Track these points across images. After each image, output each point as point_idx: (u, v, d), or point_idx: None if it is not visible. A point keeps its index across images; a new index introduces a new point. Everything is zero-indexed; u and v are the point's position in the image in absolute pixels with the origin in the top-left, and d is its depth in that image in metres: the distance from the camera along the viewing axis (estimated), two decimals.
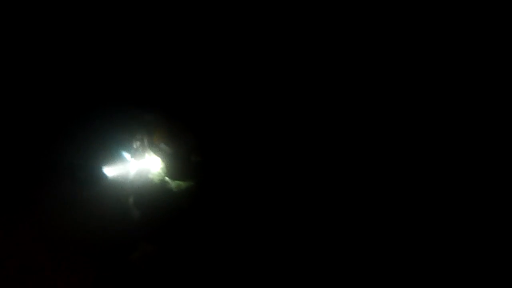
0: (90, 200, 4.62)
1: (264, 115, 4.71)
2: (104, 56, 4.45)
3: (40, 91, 4.54)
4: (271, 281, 4.24)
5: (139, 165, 4.84)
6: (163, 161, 4.78)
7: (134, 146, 4.82)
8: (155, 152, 4.79)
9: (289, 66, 4.62)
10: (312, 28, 4.51)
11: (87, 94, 4.52)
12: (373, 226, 4.35)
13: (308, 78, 4.63)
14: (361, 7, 4.36)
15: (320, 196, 4.57)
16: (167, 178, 4.79)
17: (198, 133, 4.74)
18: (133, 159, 4.84)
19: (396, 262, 4.11)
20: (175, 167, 4.74)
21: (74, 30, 4.35)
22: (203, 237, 4.57)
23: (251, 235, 4.57)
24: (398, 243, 4.20)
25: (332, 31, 4.47)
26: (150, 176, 4.82)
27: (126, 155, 4.82)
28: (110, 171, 4.78)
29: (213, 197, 4.77)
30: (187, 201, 4.74)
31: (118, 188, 4.77)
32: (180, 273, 4.42)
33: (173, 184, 4.78)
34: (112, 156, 4.79)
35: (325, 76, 4.61)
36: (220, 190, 4.78)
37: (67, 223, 4.49)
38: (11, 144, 4.54)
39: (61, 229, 4.44)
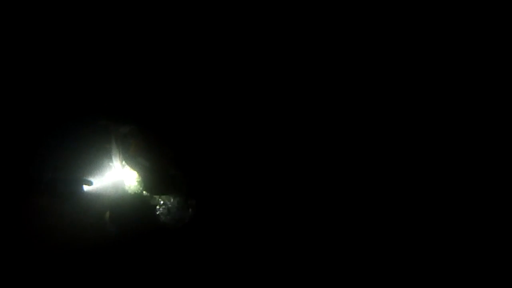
0: (69, 216, 4.48)
1: (245, 127, 4.54)
2: (76, 69, 4.27)
3: (13, 107, 4.37)
4: None
5: (116, 179, 4.66)
6: (139, 174, 4.60)
7: (110, 159, 4.64)
8: (131, 166, 4.60)
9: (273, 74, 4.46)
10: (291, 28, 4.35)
11: (59, 109, 4.34)
12: (373, 226, 4.27)
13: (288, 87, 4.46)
14: (361, 7, 4.26)
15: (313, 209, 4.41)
16: (144, 192, 4.61)
17: (176, 145, 4.56)
18: (109, 173, 4.65)
19: (396, 262, 4.08)
20: (153, 181, 4.56)
21: (47, 43, 4.18)
22: (180, 255, 4.42)
23: (232, 253, 4.43)
24: (398, 243, 4.15)
25: (330, 31, 4.36)
26: (127, 190, 4.64)
27: (102, 169, 4.64)
28: (87, 185, 4.60)
29: (193, 212, 4.61)
30: (164, 216, 4.58)
31: (94, 203, 4.61)
32: None
33: (150, 198, 4.60)
34: (87, 170, 4.61)
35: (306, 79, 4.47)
36: (201, 206, 4.62)
37: (46, 239, 4.35)
38: None
39: (39, 245, 4.30)
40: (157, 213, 4.62)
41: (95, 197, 4.62)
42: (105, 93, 4.46)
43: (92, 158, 4.66)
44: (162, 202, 4.63)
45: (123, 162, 4.63)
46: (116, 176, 4.68)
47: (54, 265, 4.28)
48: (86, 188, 4.59)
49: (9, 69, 4.29)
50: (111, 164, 4.68)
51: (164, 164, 4.55)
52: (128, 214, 4.60)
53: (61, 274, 4.27)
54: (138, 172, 4.61)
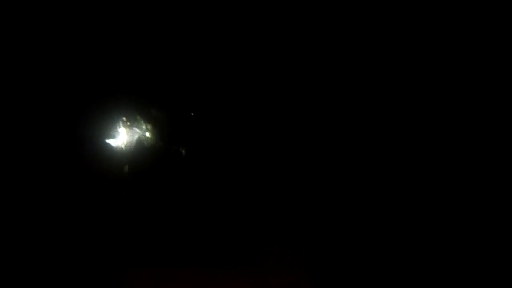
0: (94, 170, 4.77)
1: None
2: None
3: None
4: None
5: (131, 133, 4.95)
6: (155, 127, 4.90)
7: (124, 114, 4.90)
8: (145, 119, 4.89)
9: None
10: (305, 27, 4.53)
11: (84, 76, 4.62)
12: (372, 226, 4.39)
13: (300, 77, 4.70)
14: (361, 7, 4.38)
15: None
16: (161, 143, 4.92)
17: (191, 97, 4.85)
18: (124, 127, 4.93)
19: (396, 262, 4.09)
20: (168, 132, 4.87)
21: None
22: (201, 203, 4.77)
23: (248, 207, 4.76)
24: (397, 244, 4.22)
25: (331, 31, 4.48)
26: (143, 142, 4.94)
27: (117, 124, 4.91)
28: (104, 141, 4.87)
29: (210, 161, 4.95)
30: (182, 165, 4.94)
31: (115, 157, 4.90)
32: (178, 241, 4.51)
33: (165, 148, 4.92)
34: (103, 126, 4.87)
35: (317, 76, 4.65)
36: (217, 154, 4.96)
37: (78, 188, 4.64)
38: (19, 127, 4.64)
39: (74, 194, 4.61)
40: (173, 161, 4.96)
41: (115, 152, 4.90)
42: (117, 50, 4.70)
43: (105, 115, 4.90)
44: (176, 151, 4.96)
45: (138, 117, 4.91)
46: (131, 130, 4.97)
47: (82, 209, 4.59)
48: (107, 143, 4.86)
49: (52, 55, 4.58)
50: (127, 119, 4.95)
51: (178, 116, 4.85)
52: (146, 164, 4.92)
53: (87, 219, 4.54)
54: (152, 125, 4.91)
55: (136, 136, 4.94)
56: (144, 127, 4.94)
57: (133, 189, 4.84)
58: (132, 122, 4.95)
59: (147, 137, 4.93)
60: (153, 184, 4.85)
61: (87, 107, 4.69)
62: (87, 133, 4.72)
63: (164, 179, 4.88)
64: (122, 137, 4.92)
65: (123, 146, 4.88)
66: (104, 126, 4.79)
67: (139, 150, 4.90)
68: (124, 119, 4.94)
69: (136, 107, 4.90)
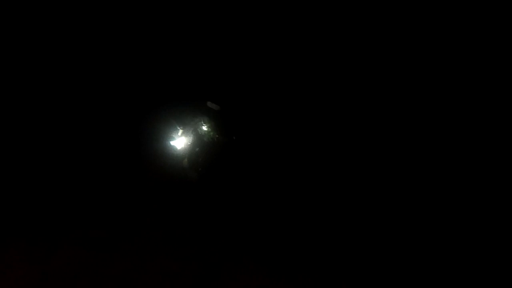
0: (156, 168, 4.86)
1: None
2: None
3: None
4: None
5: (189, 127, 4.85)
6: (211, 119, 4.75)
7: (181, 109, 4.81)
8: (202, 111, 4.76)
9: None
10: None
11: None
12: (372, 226, 4.36)
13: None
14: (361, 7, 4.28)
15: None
16: (217, 135, 4.77)
17: (245, 87, 4.65)
18: (182, 121, 4.84)
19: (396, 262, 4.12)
20: (225, 124, 4.70)
21: None
22: (259, 193, 4.64)
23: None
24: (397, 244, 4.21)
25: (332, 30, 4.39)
26: (201, 135, 4.82)
27: (174, 118, 4.83)
28: (164, 138, 4.84)
29: (265, 151, 4.73)
30: (241, 157, 4.75)
31: (174, 153, 4.86)
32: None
33: (224, 140, 4.77)
34: (162, 123, 4.83)
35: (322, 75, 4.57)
36: (273, 144, 4.73)
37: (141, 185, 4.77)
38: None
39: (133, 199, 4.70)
40: (229, 152, 4.80)
41: (174, 148, 4.86)
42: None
43: (163, 112, 4.86)
44: (231, 142, 4.78)
45: (195, 110, 4.79)
46: (189, 124, 4.86)
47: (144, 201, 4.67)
48: (163, 142, 4.82)
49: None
50: (182, 114, 4.86)
51: (233, 106, 4.67)
52: (204, 157, 4.80)
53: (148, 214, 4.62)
54: (209, 117, 4.76)
55: (194, 132, 4.82)
56: (201, 121, 4.80)
57: (198, 186, 4.77)
58: (188, 117, 4.83)
59: (205, 131, 4.79)
60: (217, 179, 4.74)
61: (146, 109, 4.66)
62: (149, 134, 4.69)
63: (228, 173, 4.75)
64: (182, 137, 4.83)
65: (184, 145, 4.79)
66: (162, 128, 4.75)
67: (200, 146, 4.78)
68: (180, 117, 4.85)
69: (191, 101, 4.77)
